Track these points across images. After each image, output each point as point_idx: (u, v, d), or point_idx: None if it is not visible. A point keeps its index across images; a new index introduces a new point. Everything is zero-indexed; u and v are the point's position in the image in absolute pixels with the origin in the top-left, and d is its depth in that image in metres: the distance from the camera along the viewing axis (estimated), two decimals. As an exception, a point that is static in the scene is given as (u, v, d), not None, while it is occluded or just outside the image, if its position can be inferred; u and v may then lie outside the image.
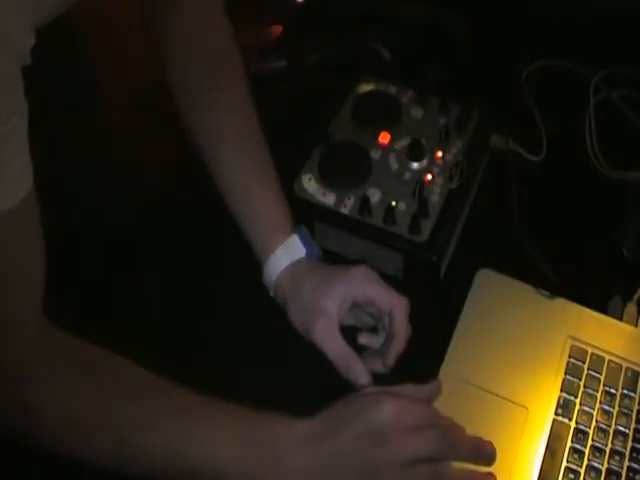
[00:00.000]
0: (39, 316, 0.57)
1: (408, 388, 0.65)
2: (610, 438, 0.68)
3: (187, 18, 0.75)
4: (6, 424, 0.58)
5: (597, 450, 0.67)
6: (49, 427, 0.58)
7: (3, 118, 0.46)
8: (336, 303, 0.70)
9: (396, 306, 0.70)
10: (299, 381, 0.71)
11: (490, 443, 0.62)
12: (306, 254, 0.73)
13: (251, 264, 0.75)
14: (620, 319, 0.75)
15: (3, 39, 0.44)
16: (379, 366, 0.70)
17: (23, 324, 0.55)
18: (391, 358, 0.69)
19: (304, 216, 0.76)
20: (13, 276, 0.53)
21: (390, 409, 0.60)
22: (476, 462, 0.61)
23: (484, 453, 0.61)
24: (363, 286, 0.70)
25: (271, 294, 0.74)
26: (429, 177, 0.79)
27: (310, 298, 0.70)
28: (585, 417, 0.69)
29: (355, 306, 0.72)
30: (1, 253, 0.51)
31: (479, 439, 0.62)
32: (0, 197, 0.48)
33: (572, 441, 0.67)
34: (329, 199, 0.78)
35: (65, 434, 0.58)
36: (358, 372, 0.68)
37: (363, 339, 0.73)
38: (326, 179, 0.79)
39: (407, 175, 0.80)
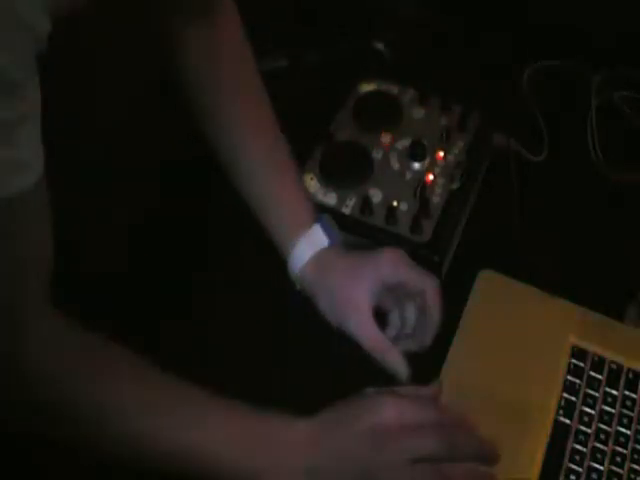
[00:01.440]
0: (47, 305, 0.57)
1: (409, 389, 0.65)
2: (611, 440, 0.68)
3: (200, 21, 0.74)
4: (7, 408, 0.58)
5: (598, 451, 0.67)
6: (49, 411, 0.58)
7: (14, 100, 0.46)
8: (367, 293, 0.69)
9: (427, 286, 0.69)
10: (299, 381, 0.71)
11: (492, 444, 0.61)
12: (329, 243, 0.72)
13: (253, 263, 0.75)
14: (621, 320, 0.75)
15: (14, 20, 0.44)
16: (411, 345, 0.70)
17: (30, 310, 0.55)
18: (428, 337, 0.69)
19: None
20: (21, 261, 0.53)
21: (391, 410, 0.60)
22: (478, 463, 0.61)
23: (486, 454, 0.61)
24: (391, 269, 0.69)
25: (297, 288, 0.73)
26: (430, 177, 0.79)
27: (339, 289, 0.70)
28: (586, 418, 0.69)
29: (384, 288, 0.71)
30: (9, 238, 0.51)
31: (481, 439, 0.62)
32: (10, 182, 0.48)
33: (573, 442, 0.67)
34: (330, 199, 0.78)
35: (63, 421, 0.58)
36: (395, 360, 0.68)
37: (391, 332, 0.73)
38: (327, 179, 0.79)
39: (408, 175, 0.80)
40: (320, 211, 0.77)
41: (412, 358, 0.70)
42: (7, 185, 0.48)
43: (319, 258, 0.71)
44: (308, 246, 0.71)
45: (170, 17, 0.74)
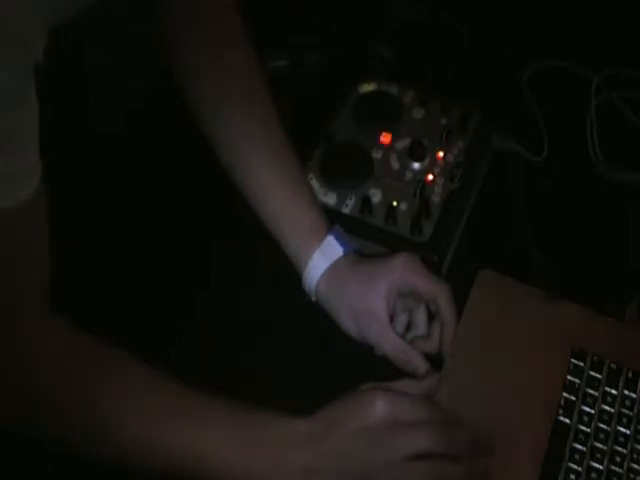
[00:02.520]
0: (44, 312, 0.57)
1: (405, 383, 0.65)
2: (611, 439, 0.68)
3: (202, 25, 0.74)
4: (7, 415, 0.58)
5: (598, 451, 0.67)
6: (47, 418, 0.58)
7: (12, 114, 0.46)
8: (384, 302, 0.69)
9: (438, 295, 0.69)
10: (298, 380, 0.71)
11: (485, 437, 0.62)
12: (344, 252, 0.71)
13: (253, 262, 0.75)
14: (621, 320, 0.75)
15: (13, 38, 0.44)
16: (427, 347, 0.70)
17: (28, 319, 0.56)
18: (446, 344, 0.69)
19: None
20: (18, 274, 0.53)
21: (385, 406, 0.60)
22: (473, 457, 0.62)
23: (480, 447, 0.62)
24: (404, 277, 0.69)
25: (313, 299, 0.73)
26: (430, 177, 0.79)
27: (357, 301, 0.70)
28: (586, 418, 0.68)
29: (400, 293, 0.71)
30: (7, 249, 0.51)
31: (475, 433, 0.62)
32: (8, 194, 0.49)
33: (573, 441, 0.67)
34: (330, 199, 0.78)
35: (62, 427, 0.58)
36: (417, 363, 0.68)
37: (407, 337, 0.73)
38: (327, 179, 0.79)
39: (408, 175, 0.80)
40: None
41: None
42: (5, 196, 0.48)
43: (334, 270, 0.71)
44: (323, 259, 0.71)
45: (171, 20, 0.74)
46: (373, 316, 0.69)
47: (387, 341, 0.69)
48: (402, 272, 0.70)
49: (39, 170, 0.51)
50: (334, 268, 0.71)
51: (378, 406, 0.60)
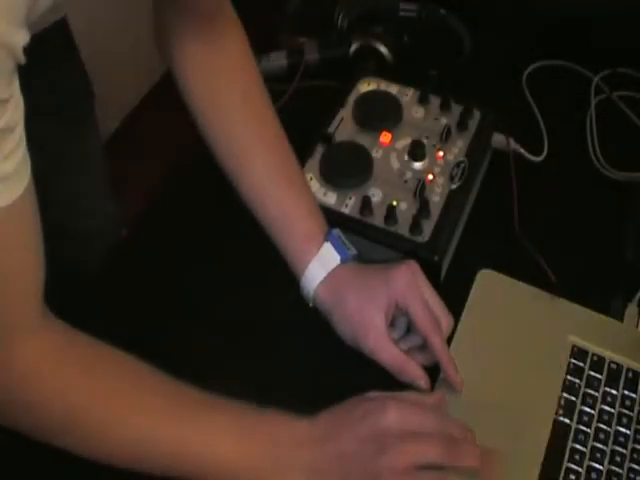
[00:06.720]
0: (41, 311, 0.57)
1: (412, 395, 0.65)
2: (611, 439, 0.67)
3: (204, 34, 0.74)
4: (8, 419, 0.57)
5: (598, 451, 0.67)
6: (50, 423, 0.58)
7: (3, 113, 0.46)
8: (382, 313, 0.69)
9: (431, 337, 0.68)
10: (302, 381, 0.71)
11: (492, 454, 0.61)
12: (341, 260, 0.71)
13: (260, 262, 0.75)
14: (621, 320, 0.75)
15: None
16: (424, 359, 0.69)
17: (25, 321, 0.55)
18: (453, 382, 0.68)
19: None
20: (13, 273, 0.53)
21: (394, 415, 0.60)
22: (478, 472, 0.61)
23: (486, 465, 0.61)
24: (404, 297, 0.69)
25: (310, 305, 0.73)
26: (430, 177, 0.79)
27: (354, 312, 0.69)
28: (586, 418, 0.69)
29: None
30: (4, 246, 0.51)
31: (483, 449, 0.62)
32: (4, 192, 0.48)
33: (573, 442, 0.67)
34: (330, 199, 0.78)
35: (66, 431, 0.59)
36: (415, 375, 0.68)
37: (404, 345, 0.72)
38: (327, 179, 0.79)
39: (408, 175, 0.80)
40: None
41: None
42: (1, 195, 0.48)
43: (332, 278, 0.71)
44: (319, 268, 0.71)
45: (170, 26, 0.73)
46: (371, 328, 0.69)
47: (384, 352, 0.68)
48: (402, 292, 0.69)
49: (28, 168, 0.51)
50: (331, 277, 0.71)
51: (390, 414, 0.60)
